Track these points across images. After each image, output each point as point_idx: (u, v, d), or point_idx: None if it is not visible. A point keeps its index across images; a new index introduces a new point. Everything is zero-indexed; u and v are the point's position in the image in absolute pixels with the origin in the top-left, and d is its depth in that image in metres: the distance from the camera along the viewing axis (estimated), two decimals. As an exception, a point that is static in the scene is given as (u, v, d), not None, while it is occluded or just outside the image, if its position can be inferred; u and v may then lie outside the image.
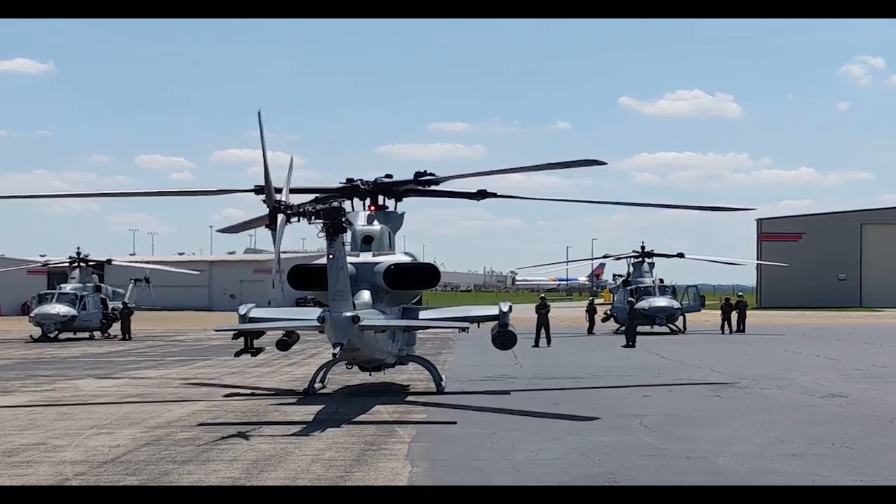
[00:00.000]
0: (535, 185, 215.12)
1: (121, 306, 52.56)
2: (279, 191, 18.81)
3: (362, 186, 23.03)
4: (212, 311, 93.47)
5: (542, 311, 41.33)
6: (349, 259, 20.46)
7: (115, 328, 51.80)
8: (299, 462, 13.95)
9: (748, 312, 54.24)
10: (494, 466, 13.62)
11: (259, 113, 18.15)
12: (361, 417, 18.62)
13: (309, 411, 19.43)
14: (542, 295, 45.94)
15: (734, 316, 51.90)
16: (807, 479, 12.57)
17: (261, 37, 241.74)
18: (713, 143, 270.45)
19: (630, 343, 40.51)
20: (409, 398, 21.93)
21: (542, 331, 40.95)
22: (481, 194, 23.46)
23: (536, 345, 40.06)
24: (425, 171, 22.97)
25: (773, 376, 26.49)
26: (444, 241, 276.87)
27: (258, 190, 20.10)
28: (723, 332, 50.65)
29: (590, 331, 50.90)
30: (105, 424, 18.00)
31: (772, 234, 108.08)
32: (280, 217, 18.58)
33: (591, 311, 52.54)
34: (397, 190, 23.55)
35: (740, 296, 54.68)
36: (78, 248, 53.48)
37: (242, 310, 23.02)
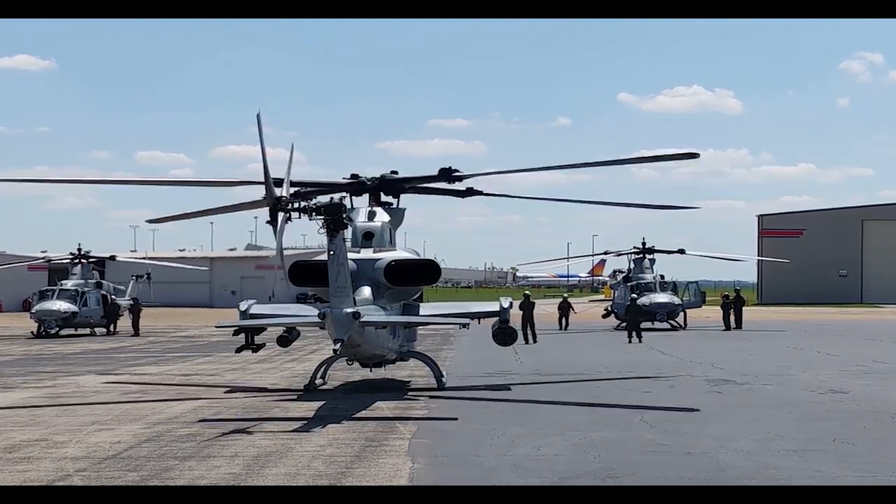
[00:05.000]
0: (535, 181, 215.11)
1: (131, 302, 52.48)
2: (279, 184, 18.77)
3: (367, 182, 23.08)
4: (212, 307, 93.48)
5: (529, 308, 40.91)
6: (350, 255, 20.44)
7: (120, 325, 51.88)
8: (300, 458, 13.95)
9: (744, 308, 54.11)
10: (495, 462, 13.61)
11: (258, 115, 18.25)
12: (362, 413, 18.61)
13: (310, 407, 19.44)
14: (526, 291, 45.80)
15: (732, 312, 51.84)
16: (808, 475, 12.55)
17: (260, 34, 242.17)
18: (713, 138, 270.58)
19: (632, 339, 40.44)
20: (410, 394, 21.93)
21: (528, 327, 40.42)
22: (469, 192, 23.56)
23: (526, 341, 39.50)
24: (450, 168, 22.94)
25: (773, 372, 26.50)
26: (445, 238, 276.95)
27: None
28: (728, 329, 50.52)
29: (563, 328, 50.48)
30: (106, 421, 17.99)
31: (772, 230, 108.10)
32: (280, 214, 18.56)
33: (563, 308, 51.61)
34: (399, 186, 23.59)
35: (737, 290, 54.58)
36: (79, 245, 53.63)
37: (243, 306, 23.03)
